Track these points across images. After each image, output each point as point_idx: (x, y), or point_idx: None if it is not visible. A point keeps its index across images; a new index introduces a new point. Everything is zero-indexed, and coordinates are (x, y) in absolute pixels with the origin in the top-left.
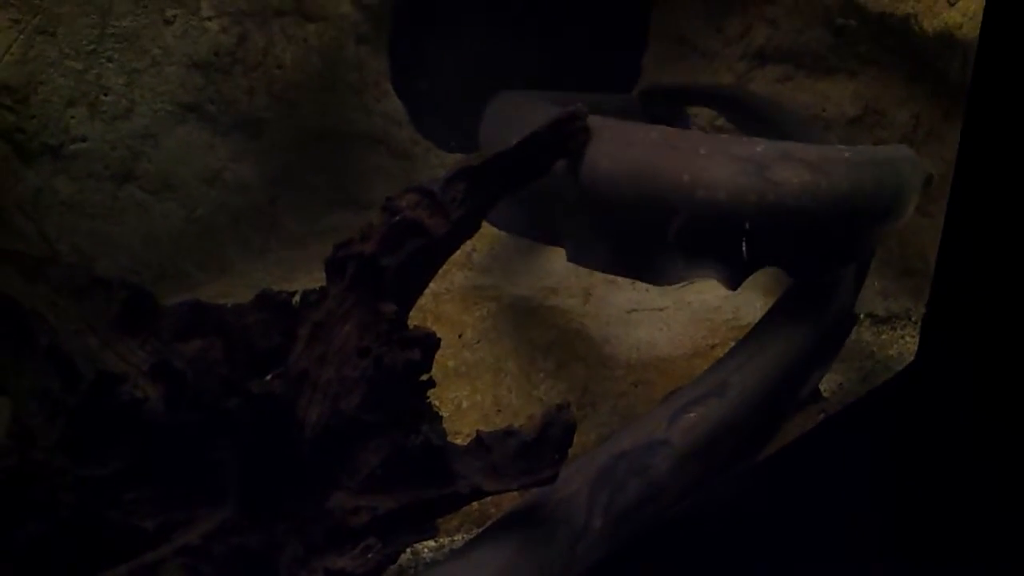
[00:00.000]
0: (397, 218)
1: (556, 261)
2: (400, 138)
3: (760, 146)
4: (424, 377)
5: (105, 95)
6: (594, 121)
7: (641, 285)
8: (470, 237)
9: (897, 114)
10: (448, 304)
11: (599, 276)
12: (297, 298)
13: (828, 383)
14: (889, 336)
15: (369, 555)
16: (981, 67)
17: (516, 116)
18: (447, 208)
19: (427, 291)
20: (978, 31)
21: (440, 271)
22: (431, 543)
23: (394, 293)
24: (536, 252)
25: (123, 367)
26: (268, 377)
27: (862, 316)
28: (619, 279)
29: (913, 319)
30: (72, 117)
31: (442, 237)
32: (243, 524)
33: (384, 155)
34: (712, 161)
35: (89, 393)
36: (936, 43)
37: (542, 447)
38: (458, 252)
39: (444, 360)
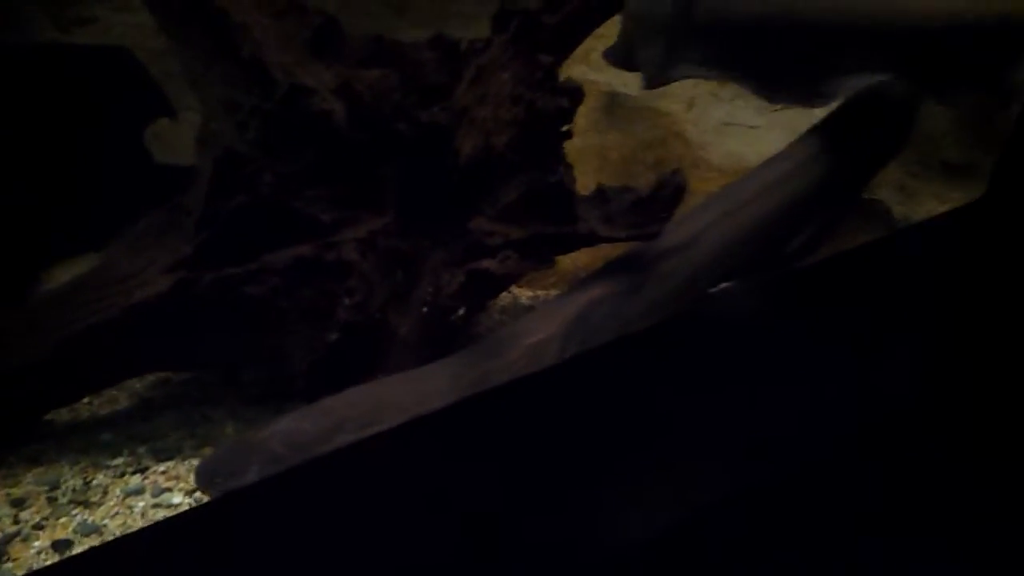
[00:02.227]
0: None
1: None
2: None
3: None
4: (565, 128)
5: None
6: None
7: (739, 102)
8: (616, 12)
9: None
10: None
11: (704, 87)
12: (465, 44)
13: None
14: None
15: (508, 261)
16: None
17: None
18: None
19: None
20: None
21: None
22: (528, 292)
23: (550, 48)
24: None
25: (313, 83)
26: (435, 109)
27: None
28: (721, 93)
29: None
30: None
31: (594, 5)
32: (398, 230)
33: None
34: None
35: (284, 100)
36: None
37: (653, 204)
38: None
39: None
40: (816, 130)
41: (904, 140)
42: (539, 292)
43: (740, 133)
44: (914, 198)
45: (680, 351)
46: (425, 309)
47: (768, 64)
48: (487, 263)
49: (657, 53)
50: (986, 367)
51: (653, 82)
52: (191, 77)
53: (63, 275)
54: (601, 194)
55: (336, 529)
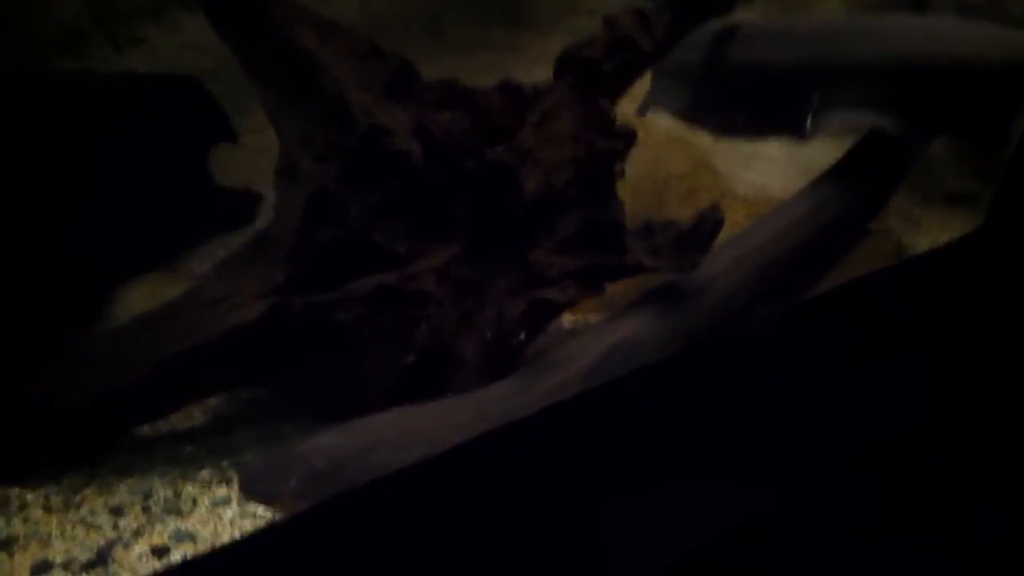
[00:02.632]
0: (618, 33)
1: None
2: None
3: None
4: (618, 167)
5: None
6: None
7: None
8: (662, 59)
9: None
10: None
11: None
12: (530, 88)
13: None
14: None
15: (568, 291)
16: None
17: None
18: (655, 30)
19: None
20: None
21: None
22: (569, 316)
23: (607, 93)
24: None
25: (391, 123)
26: (500, 149)
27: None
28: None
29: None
30: None
31: (648, 53)
32: (465, 260)
33: None
34: None
35: (364, 139)
36: None
37: (694, 237)
38: None
39: None
40: (833, 170)
41: (908, 171)
42: (578, 316)
43: (764, 165)
44: (918, 226)
45: (708, 377)
46: (489, 334)
47: (775, 103)
48: (549, 292)
49: (685, 96)
50: (987, 387)
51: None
52: (269, 110)
53: (134, 293)
54: (647, 228)
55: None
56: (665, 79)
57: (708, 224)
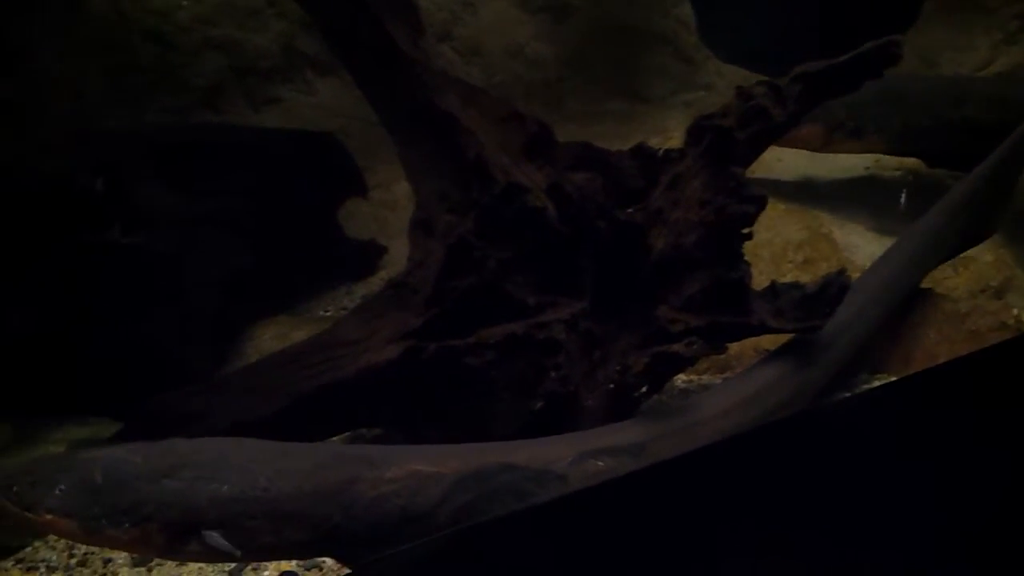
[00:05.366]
0: (751, 103)
1: None
2: (686, 42)
3: None
4: (746, 230)
5: None
6: None
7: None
8: (792, 129)
9: None
10: None
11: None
12: (662, 153)
13: None
14: None
15: (693, 346)
16: None
17: None
18: (787, 101)
19: None
20: None
21: None
22: (683, 376)
23: (739, 161)
24: None
25: (527, 182)
26: (631, 210)
27: None
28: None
29: None
30: None
31: (779, 123)
32: (592, 315)
33: (669, 56)
34: None
35: (502, 196)
36: None
37: (819, 301)
38: None
39: None
40: (923, 222)
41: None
42: (692, 376)
43: (884, 239)
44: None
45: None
46: (612, 386)
47: None
48: (675, 347)
49: None
50: None
51: None
52: (408, 167)
53: (262, 333)
54: (772, 289)
55: None
56: None
57: (834, 287)
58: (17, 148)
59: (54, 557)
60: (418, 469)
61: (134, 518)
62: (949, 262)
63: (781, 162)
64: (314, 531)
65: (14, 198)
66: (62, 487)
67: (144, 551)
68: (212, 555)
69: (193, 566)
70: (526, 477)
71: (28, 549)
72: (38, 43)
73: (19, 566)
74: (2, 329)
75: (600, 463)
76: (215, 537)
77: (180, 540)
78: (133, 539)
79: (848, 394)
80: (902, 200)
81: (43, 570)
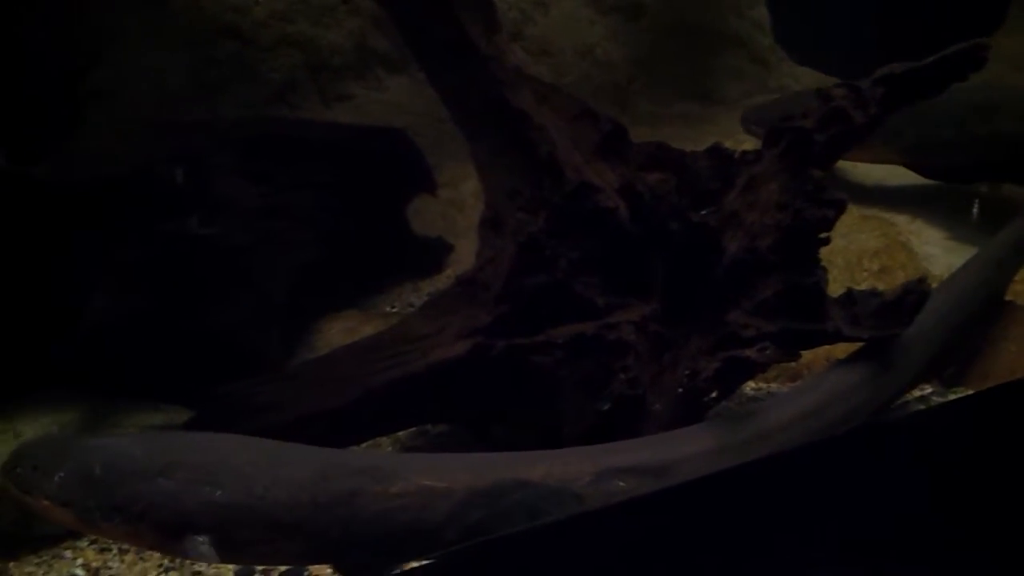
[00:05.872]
0: (831, 105)
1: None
2: (761, 44)
3: None
4: (824, 235)
5: None
6: None
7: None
8: (873, 132)
9: None
10: None
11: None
12: (738, 154)
13: None
14: None
15: (766, 352)
16: None
17: None
18: (868, 104)
19: None
20: None
21: None
22: (751, 384)
23: (818, 163)
24: None
25: (599, 182)
26: (704, 211)
27: None
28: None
29: None
30: None
31: (859, 126)
32: (662, 317)
33: (742, 58)
34: None
35: (573, 195)
36: None
37: (897, 310)
38: None
39: None
40: (1005, 233)
41: None
42: (760, 384)
43: (962, 249)
44: None
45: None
46: (680, 390)
47: None
48: (748, 352)
49: None
50: None
51: None
52: (479, 163)
53: (330, 327)
54: (849, 296)
55: None
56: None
57: (913, 296)
58: (106, 137)
59: None
60: (427, 484)
61: (126, 515)
62: None
63: (856, 168)
64: (309, 544)
65: (99, 186)
66: (61, 475)
67: (137, 546)
68: (203, 557)
69: None
70: (541, 496)
71: None
72: (125, 36)
73: (93, 546)
74: (84, 315)
75: (622, 483)
76: (199, 544)
77: (170, 540)
78: (126, 534)
79: (923, 407)
80: (974, 211)
81: (115, 551)
